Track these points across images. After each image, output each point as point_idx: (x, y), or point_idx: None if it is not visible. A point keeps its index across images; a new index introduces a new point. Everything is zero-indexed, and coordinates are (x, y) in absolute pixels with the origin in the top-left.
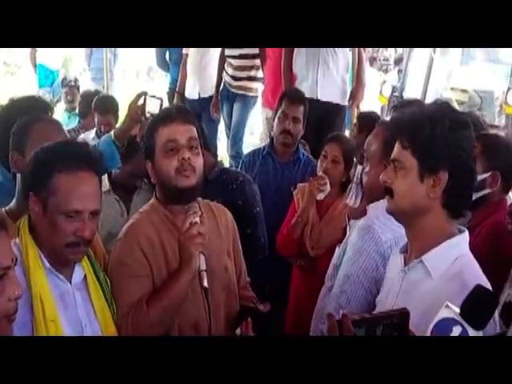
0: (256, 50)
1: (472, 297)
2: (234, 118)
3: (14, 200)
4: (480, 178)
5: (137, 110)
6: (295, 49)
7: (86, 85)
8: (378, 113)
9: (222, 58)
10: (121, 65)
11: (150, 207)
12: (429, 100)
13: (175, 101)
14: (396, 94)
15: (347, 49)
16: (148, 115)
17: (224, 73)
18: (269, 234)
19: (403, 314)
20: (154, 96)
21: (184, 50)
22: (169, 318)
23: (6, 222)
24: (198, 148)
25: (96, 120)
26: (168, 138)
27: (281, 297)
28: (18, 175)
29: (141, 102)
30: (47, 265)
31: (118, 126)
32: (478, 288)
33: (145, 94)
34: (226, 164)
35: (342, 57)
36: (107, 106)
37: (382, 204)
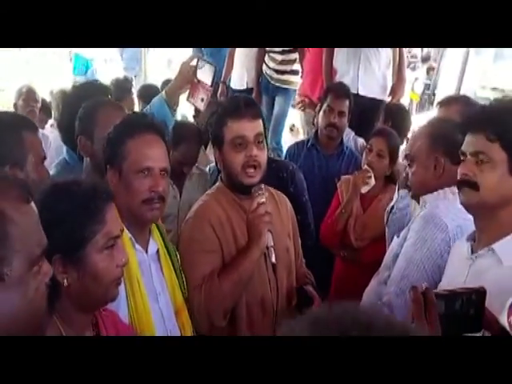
0: None
1: None
2: (275, 110)
3: None
4: None
5: (188, 70)
6: None
7: (119, 74)
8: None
9: (261, 51)
10: (153, 53)
11: (217, 190)
12: None
13: (219, 91)
14: (428, 91)
15: None
16: (200, 78)
17: (265, 66)
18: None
19: (480, 293)
20: (207, 61)
21: None
22: (238, 291)
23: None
24: (263, 142)
25: (140, 108)
26: (237, 134)
27: (322, 286)
28: (86, 159)
29: (193, 63)
30: (129, 235)
31: (169, 85)
32: None
33: (198, 56)
34: None
35: (385, 53)
36: (152, 94)
37: (437, 195)
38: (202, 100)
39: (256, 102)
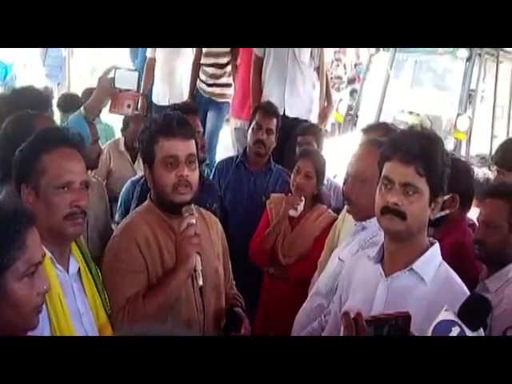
0: (228, 59)
1: (469, 302)
2: (208, 126)
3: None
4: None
5: (106, 83)
6: (264, 64)
7: (41, 82)
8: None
9: (196, 65)
10: (76, 62)
11: (146, 208)
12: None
13: (139, 104)
14: (351, 112)
15: (312, 68)
16: (121, 87)
17: (198, 79)
18: (240, 241)
19: (405, 318)
20: (127, 69)
21: (149, 54)
22: (163, 314)
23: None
24: (195, 162)
25: (60, 117)
26: (169, 153)
27: (250, 302)
28: None
29: (111, 75)
30: (49, 254)
31: (88, 100)
32: (474, 295)
33: (115, 67)
34: None
35: (309, 76)
36: (72, 104)
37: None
38: (129, 106)
39: (189, 122)
